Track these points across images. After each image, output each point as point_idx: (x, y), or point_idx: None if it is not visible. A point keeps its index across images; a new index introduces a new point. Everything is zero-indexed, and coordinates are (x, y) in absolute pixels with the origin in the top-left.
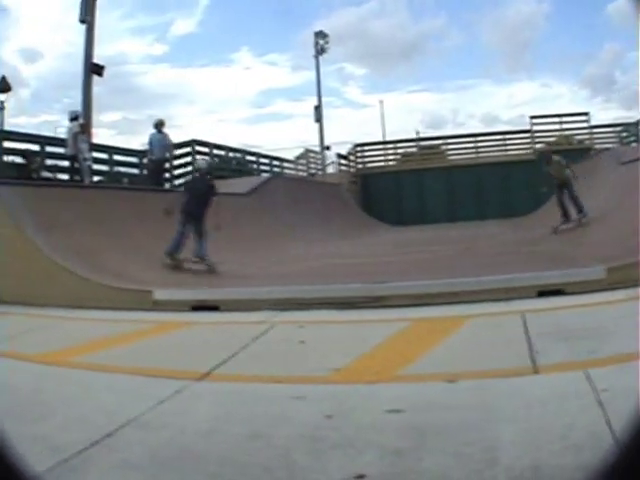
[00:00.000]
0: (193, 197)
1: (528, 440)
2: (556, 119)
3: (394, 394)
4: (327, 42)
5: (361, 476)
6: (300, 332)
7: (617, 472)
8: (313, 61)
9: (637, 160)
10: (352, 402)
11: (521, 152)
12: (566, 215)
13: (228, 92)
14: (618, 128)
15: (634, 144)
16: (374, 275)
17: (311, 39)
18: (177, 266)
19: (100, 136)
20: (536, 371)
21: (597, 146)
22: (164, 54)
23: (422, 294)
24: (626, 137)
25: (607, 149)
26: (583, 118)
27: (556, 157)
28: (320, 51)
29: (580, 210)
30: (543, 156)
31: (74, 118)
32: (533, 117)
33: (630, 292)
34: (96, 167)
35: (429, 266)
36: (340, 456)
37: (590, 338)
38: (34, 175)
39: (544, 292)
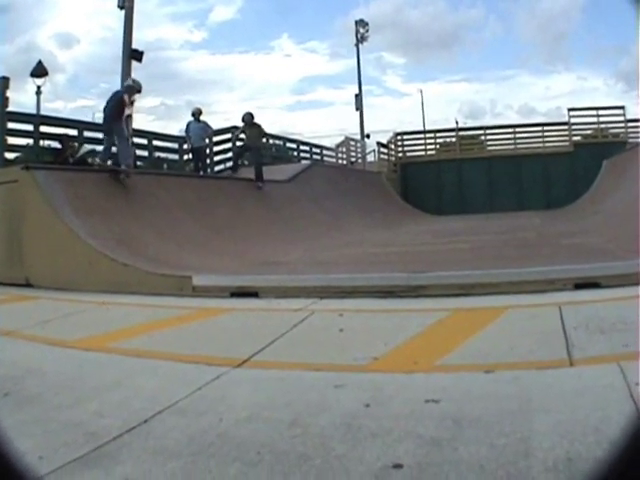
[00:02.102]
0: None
1: (562, 432)
2: (593, 112)
3: (432, 384)
4: (367, 30)
5: (398, 465)
6: (339, 320)
7: (617, 472)
8: (351, 49)
9: None
10: (390, 391)
11: (559, 144)
12: None
13: (268, 79)
14: None
15: None
16: (414, 264)
17: (350, 28)
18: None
19: (139, 121)
20: (572, 363)
21: (632, 140)
22: (203, 40)
23: (461, 284)
24: None
25: None
26: (619, 112)
27: None
28: (360, 39)
29: None
30: None
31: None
32: (571, 109)
33: None
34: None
35: (468, 256)
36: (377, 445)
37: (625, 331)
38: (70, 160)
39: (581, 285)
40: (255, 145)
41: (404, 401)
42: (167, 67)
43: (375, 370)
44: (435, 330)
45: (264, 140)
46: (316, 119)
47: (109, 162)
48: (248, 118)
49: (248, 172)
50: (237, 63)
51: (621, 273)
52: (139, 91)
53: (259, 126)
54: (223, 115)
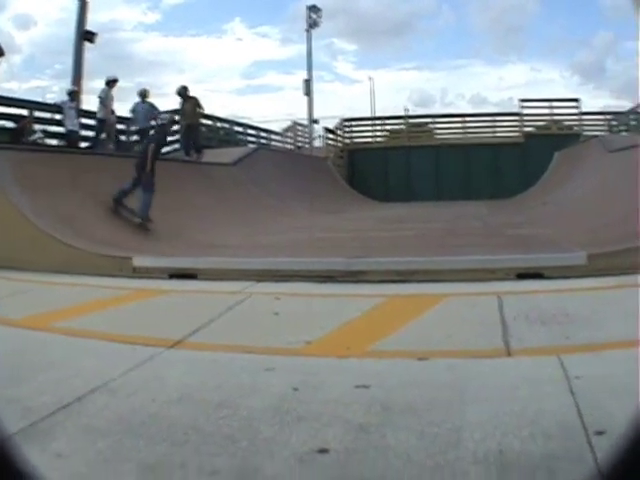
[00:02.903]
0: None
1: (495, 424)
2: (545, 104)
3: (363, 369)
4: (320, 16)
5: (324, 450)
6: (275, 304)
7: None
8: (303, 35)
9: (626, 149)
10: (321, 376)
11: (510, 135)
12: None
13: (219, 62)
14: (608, 116)
15: (624, 133)
16: (355, 250)
17: (302, 13)
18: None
19: (91, 103)
20: (509, 354)
21: (586, 133)
22: (156, 22)
23: (401, 270)
24: (616, 125)
25: (596, 136)
26: (573, 104)
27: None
28: (312, 25)
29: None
30: None
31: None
32: (523, 100)
33: (611, 280)
34: (84, 133)
35: (411, 243)
36: (304, 429)
37: (566, 323)
38: (23, 140)
39: (524, 275)
40: (192, 122)
41: (334, 386)
42: (120, 49)
43: (307, 354)
44: (371, 316)
45: (205, 118)
46: (266, 104)
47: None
48: (182, 91)
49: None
50: (189, 46)
51: (564, 265)
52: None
53: (195, 99)
54: (174, 97)
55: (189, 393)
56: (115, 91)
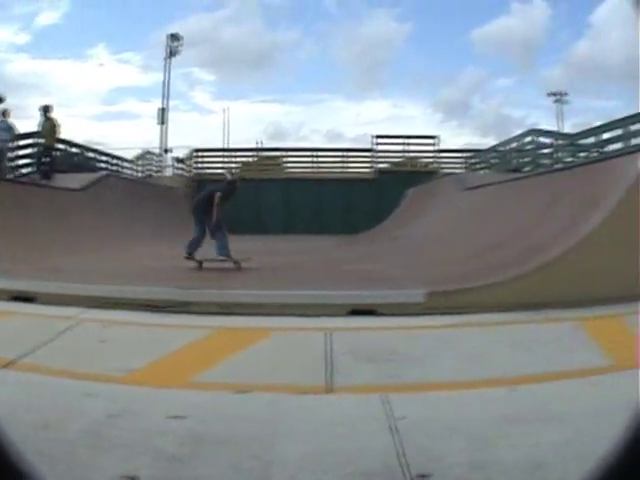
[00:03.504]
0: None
1: (312, 460)
2: (401, 140)
3: (182, 400)
4: (180, 45)
5: (134, 477)
6: (103, 331)
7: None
8: (164, 63)
9: (480, 187)
10: (140, 404)
11: (363, 170)
12: None
13: (83, 87)
14: (467, 154)
15: (482, 171)
16: (189, 280)
17: (164, 41)
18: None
19: None
20: (331, 390)
21: (446, 170)
22: (26, 44)
23: (230, 303)
24: (474, 163)
25: (452, 174)
26: (430, 141)
27: None
28: (172, 53)
29: None
30: None
31: None
32: (377, 137)
33: (447, 319)
34: None
35: (247, 275)
36: (117, 455)
37: (394, 362)
38: None
39: (357, 311)
40: (48, 143)
41: (151, 415)
42: None
43: (129, 382)
44: (197, 347)
45: (59, 142)
46: (124, 131)
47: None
48: (44, 109)
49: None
50: (56, 69)
51: (401, 302)
52: None
53: (53, 120)
54: (36, 120)
55: (13, 413)
56: None
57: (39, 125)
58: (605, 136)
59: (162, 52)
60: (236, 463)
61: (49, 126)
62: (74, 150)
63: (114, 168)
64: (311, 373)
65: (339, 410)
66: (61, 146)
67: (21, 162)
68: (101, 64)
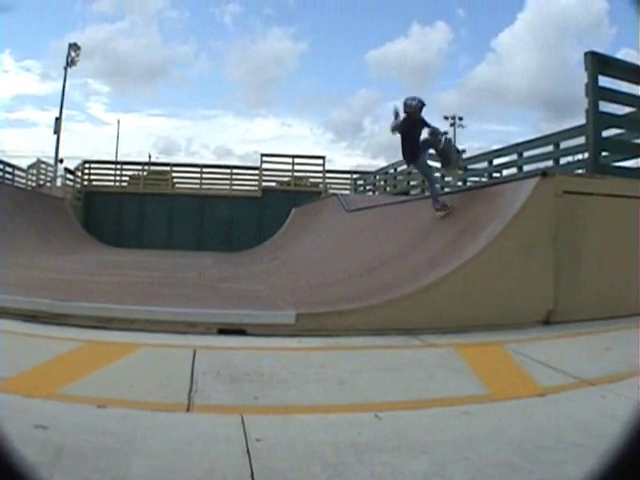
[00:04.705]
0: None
1: (161, 477)
2: (288, 159)
3: (46, 410)
4: (78, 55)
5: None
6: None
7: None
8: (62, 72)
9: (361, 209)
10: (5, 412)
11: (248, 188)
12: None
13: None
14: (354, 175)
15: (369, 193)
16: (64, 292)
17: (63, 50)
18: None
19: None
20: (189, 409)
21: (333, 190)
22: None
23: (100, 317)
24: (361, 185)
25: (336, 195)
26: (318, 161)
27: None
28: (70, 63)
29: None
30: None
31: None
32: (263, 155)
33: (317, 341)
34: None
35: (121, 290)
36: None
37: (258, 383)
38: None
39: (227, 330)
40: None
41: (15, 423)
42: None
43: None
44: (67, 359)
45: None
46: (22, 139)
47: None
48: None
49: None
50: None
51: (270, 322)
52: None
53: None
54: None
55: None
56: None
57: None
58: (496, 162)
59: (62, 61)
60: (86, 475)
61: None
62: None
63: (7, 176)
64: (172, 391)
65: (195, 429)
66: None
67: None
68: (5, 70)
